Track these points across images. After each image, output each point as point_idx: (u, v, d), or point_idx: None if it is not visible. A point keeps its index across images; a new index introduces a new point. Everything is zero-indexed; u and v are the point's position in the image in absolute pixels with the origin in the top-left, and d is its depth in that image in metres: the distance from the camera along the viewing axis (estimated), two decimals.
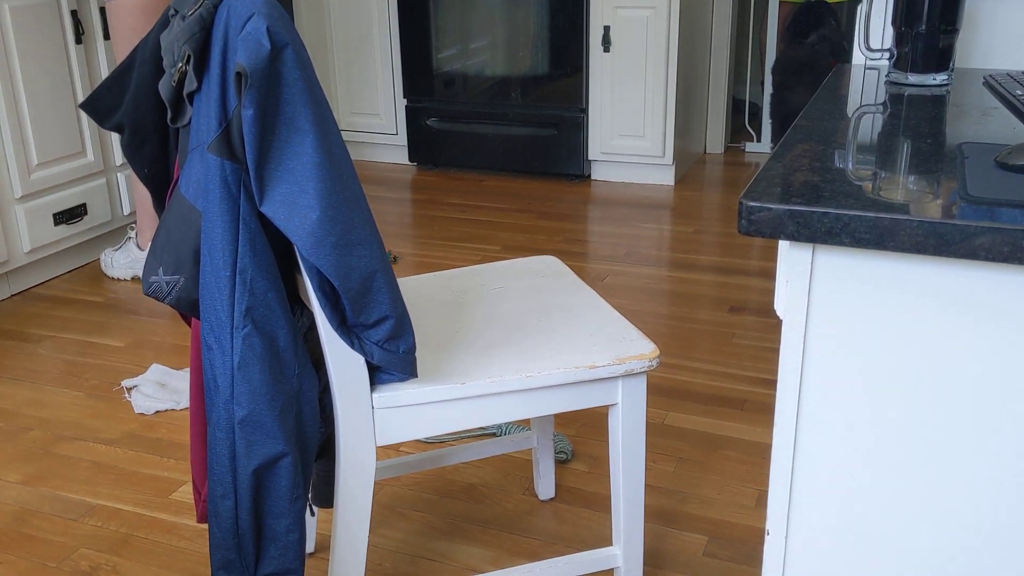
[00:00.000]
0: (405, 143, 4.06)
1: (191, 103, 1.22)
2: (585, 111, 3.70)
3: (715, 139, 4.16)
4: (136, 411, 2.16)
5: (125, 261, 2.92)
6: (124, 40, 2.61)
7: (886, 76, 1.43)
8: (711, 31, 4.02)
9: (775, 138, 3.63)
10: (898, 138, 1.08)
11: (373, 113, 4.08)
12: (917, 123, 1.16)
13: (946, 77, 1.39)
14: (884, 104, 1.39)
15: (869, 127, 1.19)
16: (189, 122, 1.25)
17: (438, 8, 3.78)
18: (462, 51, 3.81)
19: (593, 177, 3.84)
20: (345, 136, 4.18)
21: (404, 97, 3.97)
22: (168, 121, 1.32)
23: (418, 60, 3.88)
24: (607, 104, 3.66)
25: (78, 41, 2.82)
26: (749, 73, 4.53)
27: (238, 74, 1.05)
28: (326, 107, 1.12)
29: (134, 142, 1.40)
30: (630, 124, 3.66)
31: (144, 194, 2.81)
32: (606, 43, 3.58)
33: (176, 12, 1.24)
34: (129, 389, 2.25)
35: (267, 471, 1.20)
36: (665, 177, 3.74)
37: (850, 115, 1.24)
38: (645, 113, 3.61)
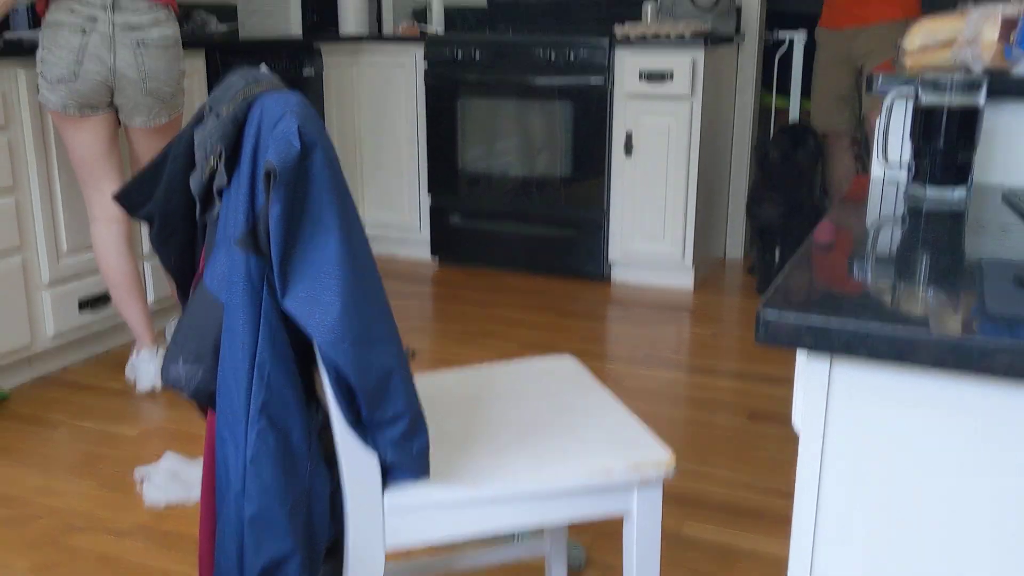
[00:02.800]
0: (428, 239, 4.12)
1: (220, 198, 1.25)
2: (606, 214, 3.75)
3: (735, 244, 4.18)
4: (146, 504, 2.14)
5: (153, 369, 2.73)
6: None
7: (905, 189, 1.45)
8: (732, 139, 4.09)
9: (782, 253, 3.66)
10: (917, 252, 1.08)
11: (398, 209, 4.15)
12: (936, 238, 1.17)
13: (965, 192, 1.40)
14: (903, 217, 1.40)
15: (888, 240, 1.20)
16: (217, 216, 1.28)
17: (465, 110, 3.88)
18: (487, 151, 3.89)
19: (613, 279, 3.86)
20: (369, 231, 4.24)
21: (428, 194, 4.04)
22: (197, 215, 1.35)
23: (444, 159, 3.96)
24: (628, 207, 3.71)
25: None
26: None
27: (267, 172, 1.08)
28: (351, 206, 1.15)
29: (163, 233, 1.43)
30: (651, 228, 3.69)
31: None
32: (628, 148, 3.64)
33: (211, 108, 1.28)
34: (141, 480, 2.24)
35: (275, 571, 1.18)
36: (685, 280, 3.75)
37: (869, 227, 1.25)
38: (666, 217, 3.65)
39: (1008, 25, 1.47)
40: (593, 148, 3.70)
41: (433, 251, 4.10)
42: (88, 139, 2.55)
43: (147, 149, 2.67)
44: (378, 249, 4.29)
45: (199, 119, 1.33)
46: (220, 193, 1.24)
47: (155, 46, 2.53)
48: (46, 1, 2.49)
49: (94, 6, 2.44)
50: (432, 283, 3.90)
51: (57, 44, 2.43)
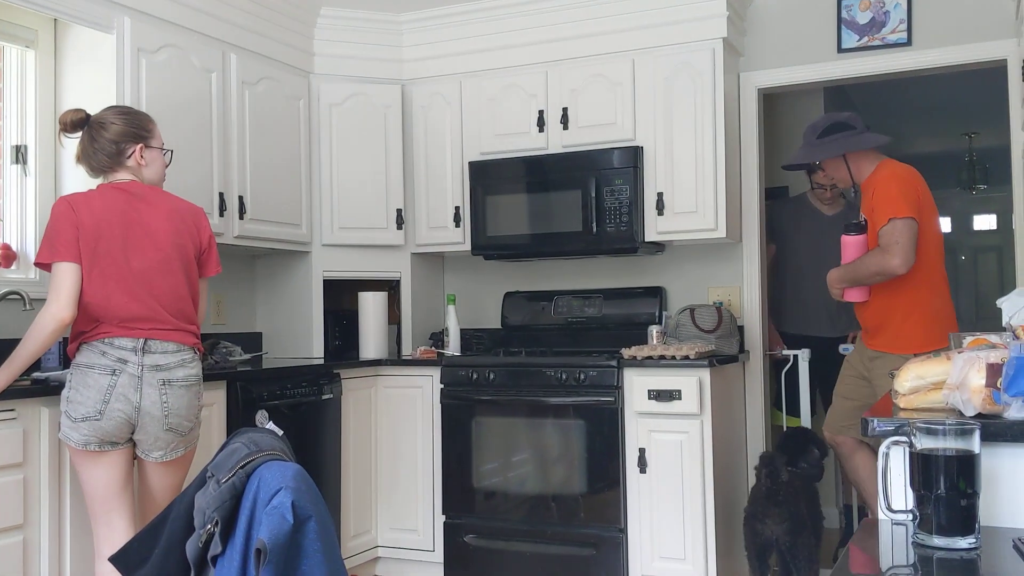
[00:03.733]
0: (441, 560, 4.00)
1: (214, 565, 1.24)
2: (624, 531, 3.66)
3: None
4: None
5: None
6: None
7: (912, 536, 1.42)
8: (746, 456, 4.08)
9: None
10: None
11: (412, 529, 4.08)
12: None
13: (974, 540, 1.37)
14: (915, 566, 1.37)
15: None
16: None
17: (480, 429, 3.92)
18: (502, 469, 3.89)
19: None
20: (382, 552, 4.15)
21: (443, 514, 3.98)
22: None
23: (459, 478, 3.95)
24: (646, 525, 3.63)
25: None
26: None
27: (258, 549, 1.08)
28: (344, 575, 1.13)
29: None
30: (671, 547, 3.58)
31: None
32: (642, 464, 3.63)
33: (212, 475, 1.31)
34: None
35: None
36: None
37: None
38: (685, 536, 3.56)
39: (993, 370, 1.52)
40: (608, 465, 3.69)
41: (447, 573, 3.97)
42: (105, 475, 2.57)
43: (159, 482, 2.68)
44: (391, 571, 4.16)
45: (201, 483, 1.36)
46: (215, 560, 1.23)
47: (179, 385, 2.61)
48: (77, 344, 2.62)
49: (125, 349, 2.55)
50: None
51: (86, 384, 2.52)
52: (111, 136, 2.68)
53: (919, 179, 3.34)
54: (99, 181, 2.74)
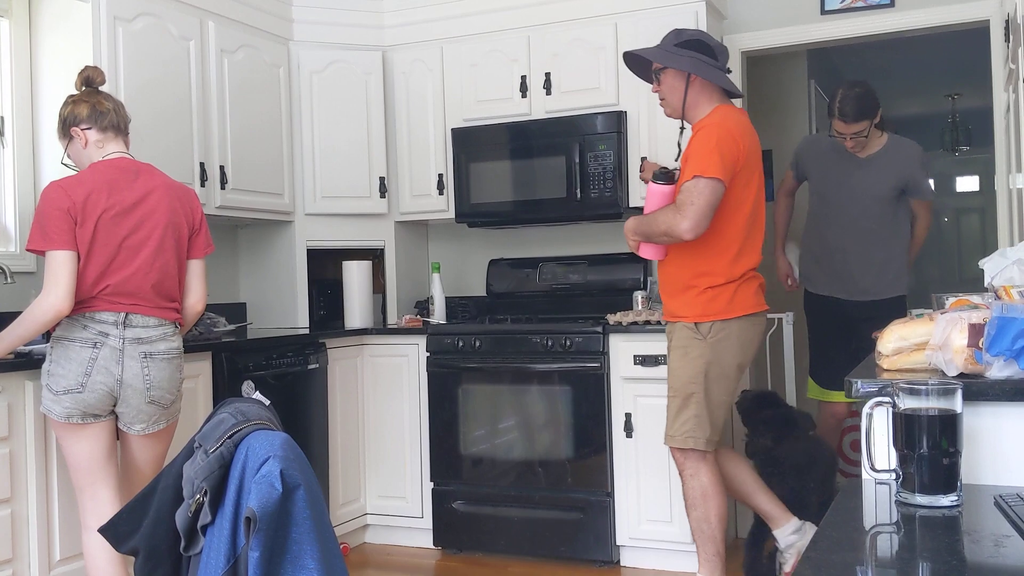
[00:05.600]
0: (430, 526, 4.03)
1: (204, 535, 1.25)
2: (611, 495, 3.70)
3: (746, 524, 4.07)
4: None
5: None
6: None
7: (896, 495, 1.44)
8: (732, 420, 4.11)
9: None
10: (915, 570, 1.07)
11: (401, 497, 4.10)
12: (933, 553, 1.15)
13: (956, 498, 1.39)
14: (897, 525, 1.38)
15: (888, 552, 1.18)
16: (201, 551, 1.27)
17: (466, 396, 3.93)
18: (489, 436, 3.91)
19: (623, 564, 3.73)
20: (371, 520, 4.17)
21: (431, 481, 4.01)
22: (181, 549, 1.34)
23: (446, 445, 3.97)
24: (632, 488, 3.66)
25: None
26: None
27: (247, 517, 1.09)
28: (333, 543, 1.14)
29: (147, 565, 1.42)
30: (657, 510, 3.62)
31: None
32: (628, 429, 3.66)
33: (200, 445, 1.31)
34: None
35: None
36: (694, 565, 3.62)
37: (864, 536, 1.23)
38: (671, 499, 3.59)
39: (975, 331, 1.53)
40: (593, 430, 3.72)
41: (436, 540, 4.00)
42: (88, 447, 2.57)
43: (143, 454, 2.69)
44: (380, 539, 4.19)
45: (189, 454, 1.36)
46: (204, 530, 1.24)
47: (161, 358, 2.61)
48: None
49: (106, 323, 2.53)
50: (436, 575, 3.77)
51: (67, 358, 2.51)
52: (124, 109, 2.73)
53: (748, 136, 2.95)
54: (82, 150, 2.69)
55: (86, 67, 2.72)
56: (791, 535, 3.16)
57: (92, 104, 2.64)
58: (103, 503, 2.56)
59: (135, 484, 2.56)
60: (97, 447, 2.58)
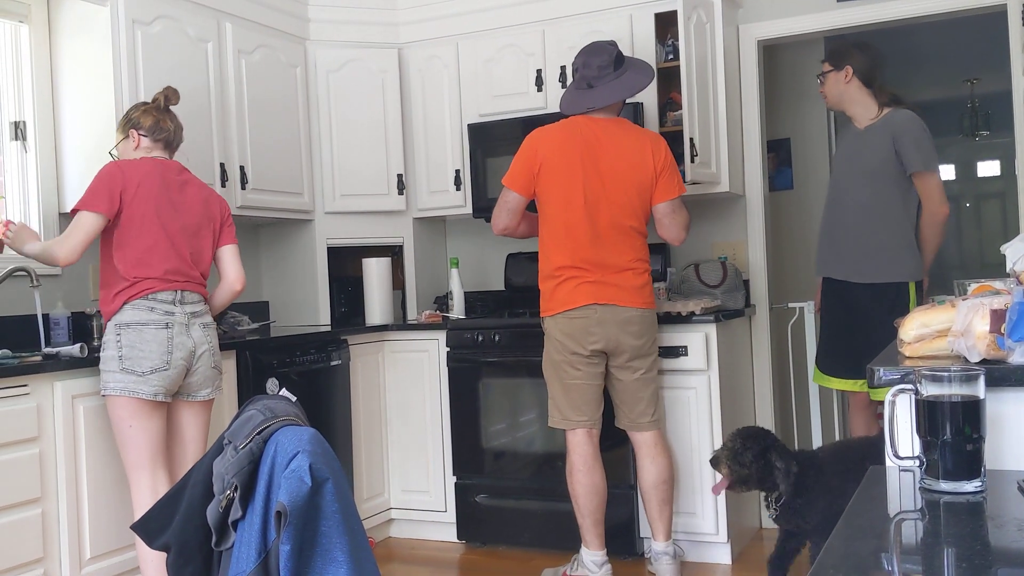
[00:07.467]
0: (454, 520, 4.05)
1: (235, 529, 1.27)
2: (634, 487, 3.70)
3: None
4: None
5: None
6: None
7: (920, 482, 1.44)
8: (754, 408, 4.11)
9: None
10: (939, 555, 1.07)
11: (423, 490, 4.12)
12: (958, 539, 1.15)
13: (980, 484, 1.39)
14: (921, 511, 1.39)
15: (913, 539, 1.19)
16: (232, 546, 1.29)
17: (487, 390, 3.95)
18: (510, 429, 3.92)
19: (646, 554, 3.74)
20: (395, 514, 4.20)
21: (454, 475, 4.03)
22: (212, 544, 1.36)
23: (468, 439, 3.99)
24: None
25: None
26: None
27: (278, 512, 1.11)
28: (362, 536, 1.16)
29: (179, 561, 1.44)
30: (684, 502, 3.63)
31: None
32: None
33: (230, 442, 1.33)
34: None
35: None
36: (722, 556, 3.63)
37: (888, 524, 1.24)
38: (694, 491, 3.60)
39: (997, 316, 1.53)
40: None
41: (459, 533, 4.03)
42: (159, 426, 2.75)
43: (193, 430, 2.88)
44: (405, 532, 4.22)
45: (218, 450, 1.38)
46: (235, 525, 1.26)
47: (212, 328, 2.90)
48: (120, 303, 2.71)
49: (167, 303, 2.75)
50: (459, 569, 3.79)
51: (143, 340, 2.68)
52: (182, 132, 3.03)
53: (547, 140, 3.28)
54: (132, 149, 2.91)
55: (166, 88, 3.00)
56: (587, 565, 3.40)
57: (157, 119, 2.91)
58: (162, 483, 2.71)
59: (182, 465, 2.78)
60: (163, 428, 2.77)
